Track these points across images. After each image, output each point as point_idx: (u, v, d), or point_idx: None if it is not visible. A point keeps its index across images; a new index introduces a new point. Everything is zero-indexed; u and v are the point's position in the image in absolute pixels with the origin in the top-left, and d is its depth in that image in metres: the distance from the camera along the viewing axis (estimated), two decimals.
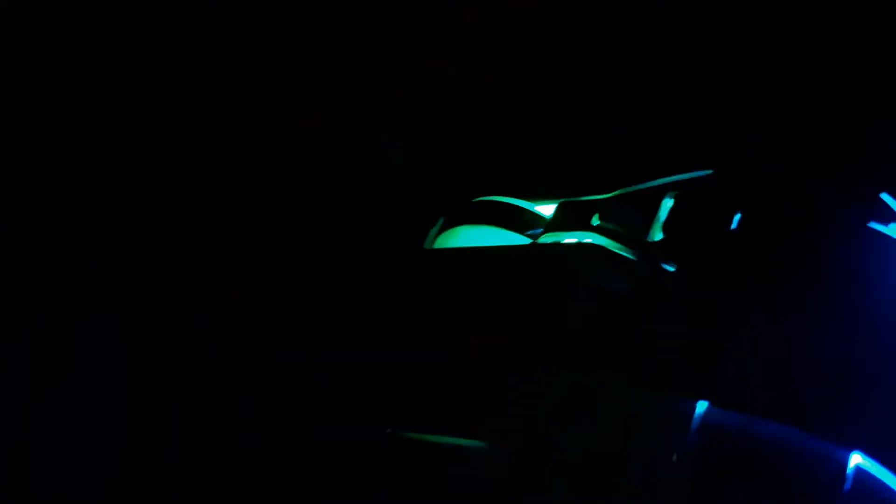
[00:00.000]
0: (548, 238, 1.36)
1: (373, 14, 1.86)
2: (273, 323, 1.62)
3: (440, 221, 1.45)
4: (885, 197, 1.23)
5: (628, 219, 1.29)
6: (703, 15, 1.83)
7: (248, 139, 1.78)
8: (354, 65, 1.84)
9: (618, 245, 1.27)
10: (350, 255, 1.68)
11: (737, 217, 1.25)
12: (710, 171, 1.32)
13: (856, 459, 1.14)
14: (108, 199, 1.71)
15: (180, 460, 1.53)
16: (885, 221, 1.21)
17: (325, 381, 1.56)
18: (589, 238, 1.31)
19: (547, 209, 1.41)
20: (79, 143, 1.75)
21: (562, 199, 1.40)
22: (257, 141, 1.78)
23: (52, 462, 1.52)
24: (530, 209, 1.41)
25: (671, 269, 1.24)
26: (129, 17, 1.83)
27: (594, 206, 1.33)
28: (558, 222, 1.35)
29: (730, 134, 1.71)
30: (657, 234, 1.29)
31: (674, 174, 1.33)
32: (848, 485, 1.12)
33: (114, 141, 1.76)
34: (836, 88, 1.67)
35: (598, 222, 1.31)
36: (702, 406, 1.17)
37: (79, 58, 1.81)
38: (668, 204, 1.31)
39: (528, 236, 1.38)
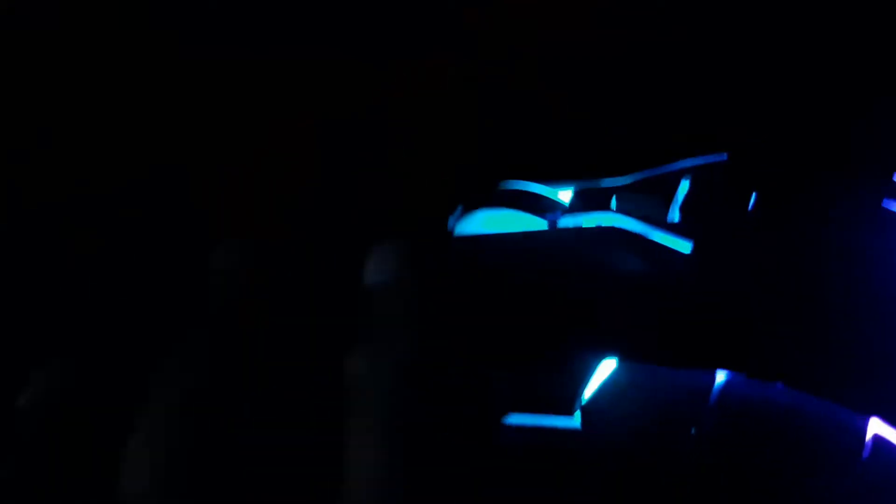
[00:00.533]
0: (567, 221, 1.38)
1: (373, 14, 1.86)
2: (273, 323, 1.62)
3: (458, 209, 1.46)
4: None
5: (646, 202, 1.33)
6: (703, 15, 1.83)
7: (248, 139, 1.78)
8: (354, 65, 1.84)
9: (637, 226, 1.31)
10: (350, 255, 1.67)
11: (753, 198, 1.30)
12: (724, 156, 1.35)
13: (874, 426, 1.16)
14: (108, 199, 1.71)
15: (176, 459, 1.53)
16: None
17: (326, 382, 1.56)
18: (608, 220, 1.33)
19: (565, 194, 1.44)
20: (79, 143, 1.75)
21: (579, 184, 1.42)
22: (257, 141, 1.78)
23: (52, 462, 1.52)
24: (549, 194, 1.43)
25: (688, 248, 1.28)
26: (129, 17, 1.83)
27: (612, 190, 1.39)
28: (577, 206, 1.40)
29: (733, 133, 1.71)
30: (675, 216, 1.31)
31: (688, 158, 1.38)
32: (866, 452, 1.14)
33: (114, 141, 1.76)
34: (843, 75, 1.67)
35: (616, 205, 1.35)
36: (721, 376, 1.20)
37: (79, 58, 1.81)
38: (685, 186, 1.35)
39: (547, 220, 1.40)
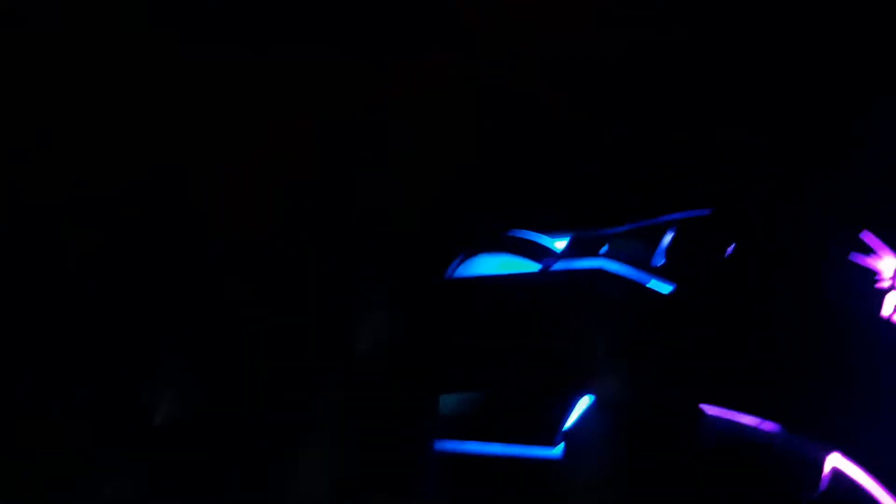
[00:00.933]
0: (560, 266, 1.47)
1: (373, 14, 1.86)
2: (273, 323, 1.62)
3: (461, 256, 1.53)
4: (864, 234, 1.38)
5: (633, 248, 1.43)
6: (703, 15, 1.83)
7: (248, 139, 1.78)
8: (354, 65, 1.84)
9: (622, 268, 1.40)
10: (350, 255, 1.68)
11: (731, 247, 1.41)
12: (708, 211, 1.42)
13: (834, 460, 1.24)
14: (108, 199, 1.71)
15: (178, 459, 1.53)
16: (865, 253, 1.35)
17: (325, 382, 1.56)
18: (598, 265, 1.42)
19: (561, 243, 1.54)
20: (79, 143, 1.75)
21: (574, 233, 1.50)
22: (257, 141, 1.78)
23: (50, 462, 1.52)
24: (545, 241, 1.50)
25: (670, 289, 1.37)
26: (129, 17, 1.83)
27: (603, 238, 1.47)
28: (570, 252, 1.49)
29: (729, 134, 1.72)
30: (659, 261, 1.37)
31: (677, 202, 1.46)
32: (824, 485, 1.22)
33: (114, 141, 1.76)
34: (826, 121, 1.70)
35: (606, 250, 1.45)
36: (694, 406, 1.28)
37: (79, 58, 1.81)
38: (669, 235, 1.45)
39: (542, 265, 1.48)
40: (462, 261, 1.53)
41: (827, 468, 1.23)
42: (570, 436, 1.32)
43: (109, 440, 1.54)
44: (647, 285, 1.38)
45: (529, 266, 1.49)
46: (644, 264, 1.40)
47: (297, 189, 1.74)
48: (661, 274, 1.38)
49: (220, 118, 1.79)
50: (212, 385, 1.58)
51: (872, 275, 1.33)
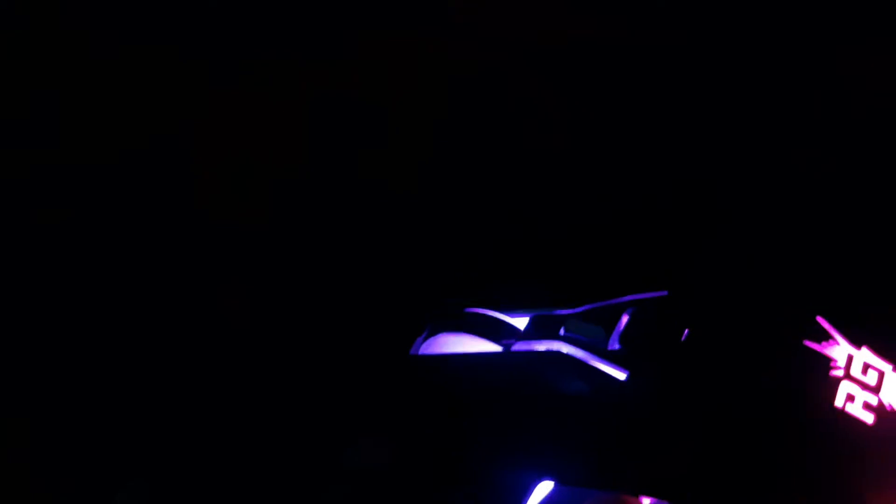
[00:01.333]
0: (520, 346, 1.48)
1: (373, 13, 1.87)
2: (273, 323, 1.63)
3: (426, 331, 1.55)
4: (819, 319, 1.38)
5: (590, 330, 1.45)
6: (703, 16, 1.83)
7: (248, 139, 1.79)
8: (354, 64, 1.84)
9: (579, 353, 1.41)
10: (349, 255, 1.68)
11: (685, 332, 1.41)
12: (665, 292, 1.45)
13: None
14: (107, 199, 1.71)
15: (177, 460, 1.54)
16: (818, 340, 1.34)
17: (325, 382, 1.57)
18: (556, 346, 1.43)
19: (521, 322, 1.55)
20: (78, 143, 1.76)
21: (535, 312, 1.53)
22: (257, 141, 1.79)
23: (49, 461, 1.53)
24: (506, 321, 1.52)
25: (625, 375, 1.38)
26: (129, 18, 1.84)
27: (562, 320, 1.48)
28: (530, 333, 1.50)
29: (729, 135, 1.72)
30: (615, 345, 1.41)
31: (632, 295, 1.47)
32: None
33: (113, 140, 1.77)
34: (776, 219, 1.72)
35: (564, 332, 1.45)
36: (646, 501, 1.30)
37: (79, 57, 1.82)
38: (625, 319, 1.46)
39: (503, 345, 1.50)
40: (426, 338, 1.55)
41: None
42: None
43: (110, 440, 1.54)
44: (602, 370, 1.39)
45: (490, 346, 1.51)
46: (600, 348, 1.42)
47: (297, 189, 1.74)
48: (616, 359, 1.40)
49: (220, 118, 1.79)
50: (212, 385, 1.58)
51: (826, 362, 1.34)
